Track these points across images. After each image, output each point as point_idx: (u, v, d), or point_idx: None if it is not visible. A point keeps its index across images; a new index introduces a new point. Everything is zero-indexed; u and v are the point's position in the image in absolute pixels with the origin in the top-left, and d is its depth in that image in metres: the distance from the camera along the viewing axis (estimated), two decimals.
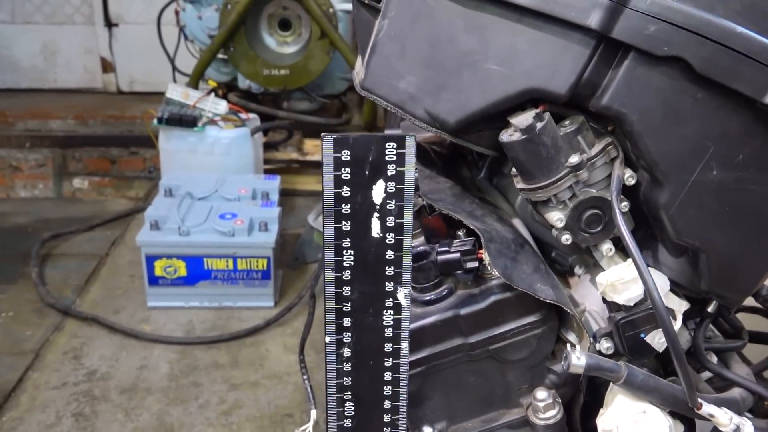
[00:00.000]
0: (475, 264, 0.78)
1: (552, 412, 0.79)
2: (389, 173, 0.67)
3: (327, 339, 0.71)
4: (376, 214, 0.68)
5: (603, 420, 0.73)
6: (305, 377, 1.44)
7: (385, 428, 0.75)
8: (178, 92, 2.79)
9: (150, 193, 3.29)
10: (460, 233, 0.82)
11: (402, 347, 0.72)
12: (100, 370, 1.99)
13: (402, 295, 0.70)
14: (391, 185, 0.67)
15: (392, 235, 0.68)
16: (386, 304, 0.71)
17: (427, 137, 1.11)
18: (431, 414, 0.82)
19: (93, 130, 3.97)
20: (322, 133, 0.66)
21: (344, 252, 0.68)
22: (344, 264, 0.69)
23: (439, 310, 0.78)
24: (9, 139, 3.75)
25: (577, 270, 0.88)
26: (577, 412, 0.85)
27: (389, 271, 0.69)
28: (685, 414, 0.75)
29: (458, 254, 0.78)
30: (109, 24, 4.35)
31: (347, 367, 0.72)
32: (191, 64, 3.23)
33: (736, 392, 0.79)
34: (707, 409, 0.71)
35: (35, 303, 2.29)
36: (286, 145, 3.21)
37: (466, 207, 0.84)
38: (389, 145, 0.66)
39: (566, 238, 0.77)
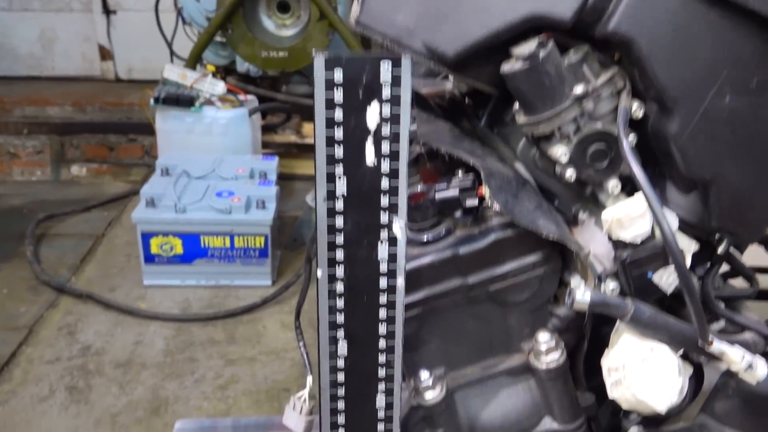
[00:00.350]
0: (475, 202, 0.75)
1: (554, 355, 0.76)
2: (384, 96, 0.64)
3: (318, 273, 0.68)
4: (370, 139, 0.64)
5: (608, 359, 0.70)
6: (301, 343, 1.41)
7: (380, 368, 0.72)
8: (175, 73, 2.75)
9: (147, 177, 3.26)
10: (460, 173, 0.79)
11: (398, 282, 0.69)
12: (95, 346, 1.96)
13: (398, 227, 0.67)
14: (387, 108, 0.64)
15: (387, 162, 0.65)
16: (381, 237, 0.67)
17: (426, 93, 1.08)
18: (429, 359, 0.79)
19: (91, 117, 3.93)
20: (314, 51, 0.63)
21: (336, 180, 0.65)
22: (336, 193, 0.65)
23: (437, 250, 0.75)
24: (6, 126, 3.72)
25: (581, 216, 0.85)
26: (581, 361, 0.81)
27: (384, 201, 0.66)
28: (694, 353, 0.72)
29: (457, 191, 0.74)
30: (107, 11, 4.31)
31: (340, 303, 0.69)
32: (189, 49, 3.20)
33: (747, 335, 0.76)
34: (718, 345, 0.67)
35: (30, 281, 2.26)
36: (284, 127, 3.18)
37: (466, 146, 0.81)
38: (384, 66, 0.63)
39: (570, 174, 0.74)
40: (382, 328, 0.71)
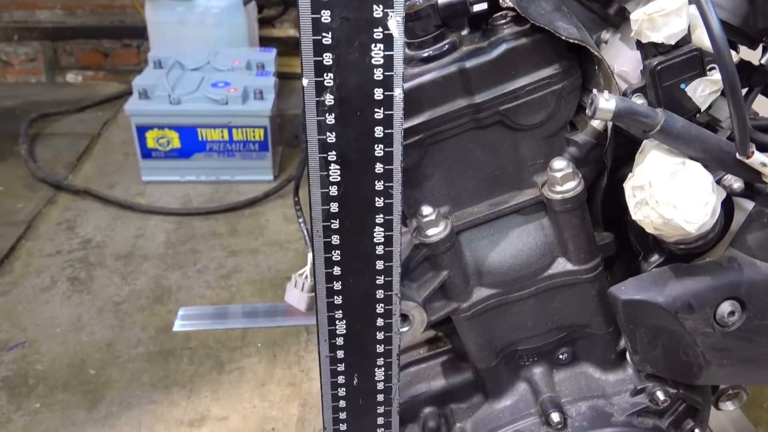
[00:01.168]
0: (484, 5, 0.65)
1: (571, 184, 0.68)
2: None
3: (304, 82, 0.59)
4: None
5: (633, 178, 0.62)
6: (300, 220, 1.35)
7: (377, 197, 0.65)
8: None
9: None
10: None
11: (395, 94, 0.60)
12: (95, 239, 1.93)
13: (394, 24, 0.58)
14: None
15: None
16: (375, 36, 0.58)
17: None
18: (432, 196, 0.72)
19: (83, 21, 3.75)
20: None
21: None
22: None
23: (440, 66, 0.66)
24: None
25: (604, 35, 0.75)
26: (599, 198, 0.74)
27: None
28: (729, 172, 0.64)
29: None
30: None
31: (330, 118, 0.61)
32: None
33: None
34: (759, 157, 0.59)
35: (26, 178, 2.21)
36: (282, 20, 3.01)
37: None
38: None
39: None
40: (379, 149, 0.63)
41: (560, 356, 0.81)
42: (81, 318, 1.62)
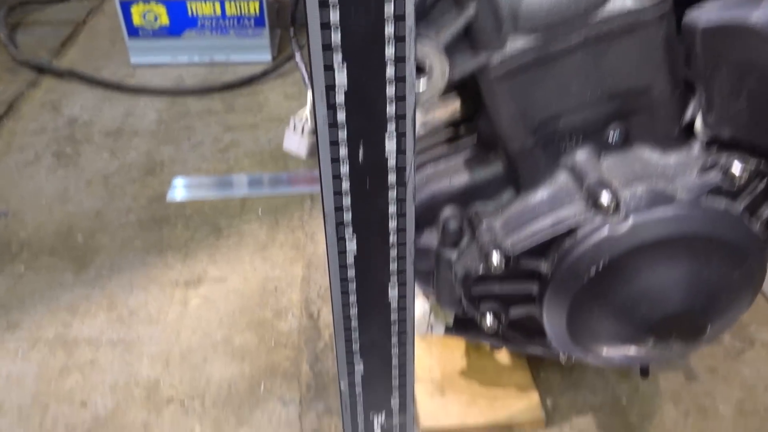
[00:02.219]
0: None
1: None
2: None
3: None
4: None
5: None
6: (297, 54, 1.21)
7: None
8: None
9: None
10: None
11: None
12: (82, 118, 1.79)
13: None
14: None
15: None
16: None
17: None
18: None
19: None
20: None
21: None
22: None
23: None
24: None
25: None
26: None
27: None
28: None
29: None
30: None
31: None
32: None
33: None
34: None
35: (6, 63, 2.05)
36: None
37: None
38: None
39: None
40: None
41: (610, 136, 0.66)
42: (68, 190, 1.50)
